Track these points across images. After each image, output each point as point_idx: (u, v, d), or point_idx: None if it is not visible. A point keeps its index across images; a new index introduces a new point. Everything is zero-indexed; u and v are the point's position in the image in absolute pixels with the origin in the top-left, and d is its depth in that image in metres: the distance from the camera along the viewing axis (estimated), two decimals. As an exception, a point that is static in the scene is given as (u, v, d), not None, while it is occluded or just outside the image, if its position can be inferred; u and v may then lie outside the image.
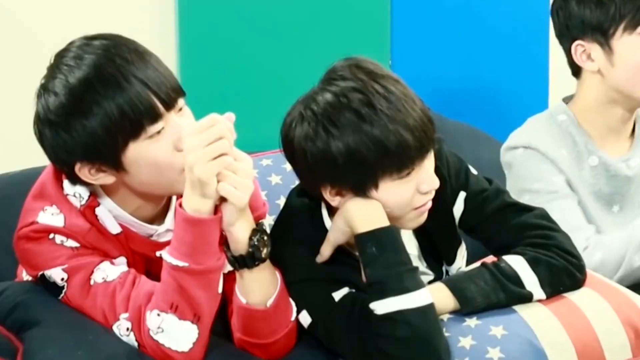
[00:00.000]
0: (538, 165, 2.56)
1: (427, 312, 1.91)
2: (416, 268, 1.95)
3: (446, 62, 3.36)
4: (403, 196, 1.96)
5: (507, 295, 1.98)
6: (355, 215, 1.95)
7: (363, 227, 1.94)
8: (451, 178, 2.09)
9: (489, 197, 2.10)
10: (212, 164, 1.84)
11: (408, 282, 1.91)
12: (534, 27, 3.38)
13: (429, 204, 2.00)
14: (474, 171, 2.14)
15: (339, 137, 1.90)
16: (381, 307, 1.90)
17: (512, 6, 3.37)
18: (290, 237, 2.04)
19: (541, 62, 3.39)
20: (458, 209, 2.11)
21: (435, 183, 1.98)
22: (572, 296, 2.01)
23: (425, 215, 2.01)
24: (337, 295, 1.98)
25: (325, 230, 2.02)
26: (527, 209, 2.09)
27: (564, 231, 2.09)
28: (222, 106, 3.09)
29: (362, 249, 1.95)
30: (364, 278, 1.95)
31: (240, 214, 1.91)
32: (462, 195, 2.10)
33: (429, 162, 1.97)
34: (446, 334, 1.94)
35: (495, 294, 1.97)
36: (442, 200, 2.06)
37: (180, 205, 1.89)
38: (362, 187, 1.94)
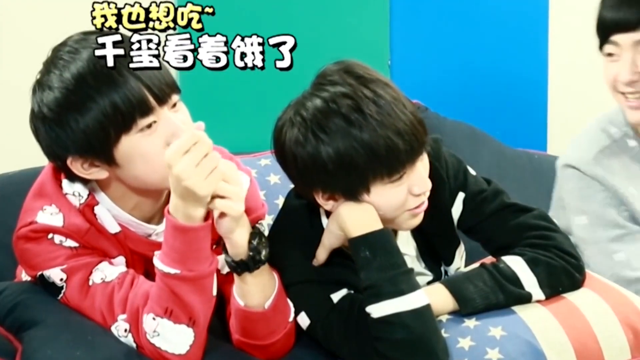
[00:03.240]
0: None
1: (424, 313, 1.91)
2: (411, 270, 1.95)
3: (445, 61, 3.36)
4: (395, 199, 1.95)
5: (506, 296, 1.98)
6: (348, 220, 1.95)
7: (356, 231, 1.94)
8: (450, 179, 2.09)
9: (488, 198, 2.10)
10: (209, 180, 1.82)
11: (403, 284, 1.91)
12: (534, 27, 3.38)
13: (424, 205, 1.99)
14: (472, 172, 2.13)
15: (329, 142, 1.90)
16: (377, 310, 1.90)
17: (511, 6, 3.37)
18: (289, 239, 2.04)
19: (540, 62, 3.39)
20: (457, 209, 2.11)
21: (428, 185, 1.97)
22: (571, 297, 2.01)
23: (421, 216, 2.01)
24: (336, 296, 1.98)
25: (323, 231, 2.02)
26: (526, 209, 2.09)
27: (563, 232, 2.09)
28: (221, 105, 3.11)
29: (356, 253, 1.94)
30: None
31: (238, 220, 1.91)
32: (460, 196, 2.10)
33: (421, 164, 1.96)
34: (445, 335, 1.94)
35: (494, 295, 1.97)
36: (440, 201, 2.06)
37: (169, 211, 1.87)
38: (353, 191, 1.94)
